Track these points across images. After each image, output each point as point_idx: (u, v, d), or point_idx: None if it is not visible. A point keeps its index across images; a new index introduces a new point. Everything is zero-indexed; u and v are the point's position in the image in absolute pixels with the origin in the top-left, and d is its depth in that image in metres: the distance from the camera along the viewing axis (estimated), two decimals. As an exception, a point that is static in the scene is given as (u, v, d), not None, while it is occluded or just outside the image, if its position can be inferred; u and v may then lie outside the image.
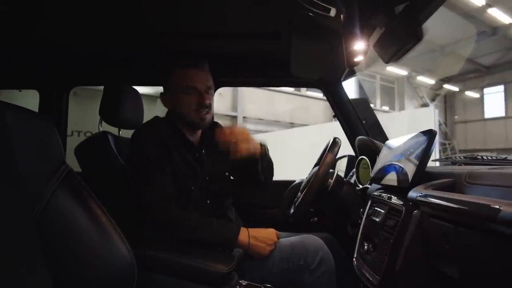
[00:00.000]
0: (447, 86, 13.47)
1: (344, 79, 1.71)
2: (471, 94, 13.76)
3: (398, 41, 0.90)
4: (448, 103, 14.35)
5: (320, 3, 0.90)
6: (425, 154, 0.78)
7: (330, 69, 1.58)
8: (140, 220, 1.02)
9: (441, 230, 0.64)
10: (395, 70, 12.39)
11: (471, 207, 0.48)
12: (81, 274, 0.75)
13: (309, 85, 1.84)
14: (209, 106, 1.20)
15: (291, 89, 10.98)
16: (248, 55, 1.62)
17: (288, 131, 9.69)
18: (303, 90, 11.23)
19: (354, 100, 1.77)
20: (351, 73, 1.68)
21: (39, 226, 0.70)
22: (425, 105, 12.97)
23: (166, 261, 0.90)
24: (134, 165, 1.11)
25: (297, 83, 1.90)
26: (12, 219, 0.66)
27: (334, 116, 1.78)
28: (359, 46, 0.92)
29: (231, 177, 1.39)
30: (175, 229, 1.01)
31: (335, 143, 1.24)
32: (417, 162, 0.79)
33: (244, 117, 10.53)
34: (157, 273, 0.88)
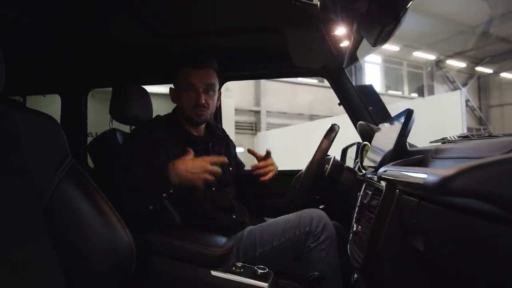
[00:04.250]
0: (480, 69, 12.75)
1: (347, 66, 1.71)
2: (508, 75, 12.94)
3: (377, 24, 0.91)
4: (482, 87, 13.58)
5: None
6: (402, 134, 0.80)
7: (332, 57, 1.58)
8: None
9: (409, 205, 0.66)
10: (422, 55, 11.89)
11: (409, 176, 0.50)
12: (85, 259, 0.82)
13: (313, 74, 1.86)
14: (204, 105, 1.30)
15: (313, 81, 10.81)
16: (250, 49, 1.66)
17: (311, 123, 9.61)
18: (326, 81, 11.03)
19: (359, 86, 1.76)
20: (354, 60, 1.68)
21: (47, 214, 0.78)
22: (456, 90, 12.36)
23: (163, 244, 0.97)
24: (120, 159, 1.20)
25: (301, 73, 1.92)
26: (20, 208, 0.74)
27: (339, 104, 1.78)
28: (340, 32, 0.94)
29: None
30: (120, 196, 1.02)
31: (331, 129, 1.26)
32: (394, 143, 0.80)
33: (267, 111, 10.53)
34: (155, 255, 0.95)
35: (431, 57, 11.96)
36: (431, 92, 12.57)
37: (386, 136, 0.97)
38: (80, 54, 1.71)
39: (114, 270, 0.86)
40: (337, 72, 1.70)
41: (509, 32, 10.22)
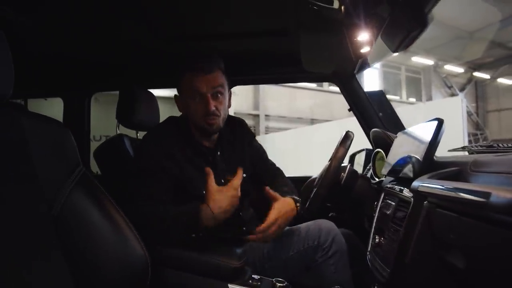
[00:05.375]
0: (477, 74, 12.83)
1: (358, 72, 1.69)
2: (504, 81, 13.03)
3: (402, 29, 0.88)
4: (479, 92, 13.67)
5: (323, -5, 0.90)
6: (431, 144, 0.77)
7: (343, 62, 1.56)
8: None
9: (446, 220, 0.63)
10: (420, 60, 11.95)
11: (465, 195, 0.47)
12: (97, 271, 0.79)
13: (323, 79, 1.83)
14: (215, 113, 1.16)
15: (312, 85, 10.82)
16: (259, 53, 1.63)
17: (311, 127, 9.60)
18: (325, 85, 11.05)
19: (369, 92, 1.73)
20: (365, 65, 1.65)
21: (57, 225, 0.74)
22: (454, 95, 12.43)
23: (178, 256, 0.93)
24: (132, 171, 1.14)
25: (310, 78, 1.89)
26: (30, 218, 0.70)
27: (349, 110, 1.75)
28: (363, 37, 0.91)
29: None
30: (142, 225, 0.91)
31: (347, 137, 1.22)
32: (424, 152, 0.77)
33: (266, 115, 10.52)
34: (170, 268, 0.91)
35: (430, 62, 12.02)
36: (429, 97, 12.63)
37: (408, 146, 0.94)
38: (83, 56, 1.67)
39: (128, 283, 0.82)
40: (348, 77, 1.68)
41: (505, 38, 10.30)
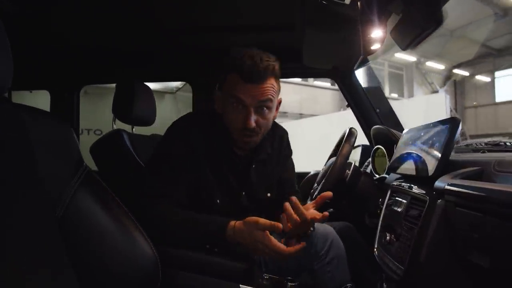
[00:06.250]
0: (457, 71, 13.19)
1: (357, 68, 1.69)
2: (482, 78, 13.47)
3: (416, 27, 0.88)
4: (458, 89, 14.07)
5: (334, -9, 0.88)
6: (449, 143, 0.77)
7: (343, 58, 1.55)
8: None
9: (469, 219, 0.63)
10: (403, 56, 12.16)
11: (505, 196, 0.47)
12: (106, 274, 0.75)
13: (322, 75, 1.82)
14: (254, 130, 0.97)
15: (298, 80, 10.86)
16: (260, 47, 1.60)
17: (296, 122, 9.65)
18: (310, 80, 11.11)
19: (367, 88, 1.74)
20: (364, 62, 1.66)
21: (62, 227, 0.70)
22: (434, 91, 12.74)
23: (187, 257, 0.90)
24: (151, 160, 1.03)
25: (310, 74, 1.88)
26: (34, 220, 0.66)
27: (347, 106, 1.76)
28: (377, 34, 0.90)
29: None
30: (155, 227, 0.88)
31: (351, 134, 1.22)
32: (441, 151, 0.77)
33: (251, 110, 10.47)
34: (178, 269, 0.88)
35: (412, 58, 12.26)
36: (411, 93, 12.91)
37: (419, 144, 0.94)
38: (73, 47, 1.59)
39: (137, 286, 0.79)
40: (347, 73, 1.67)
41: (484, 36, 10.63)
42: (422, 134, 0.95)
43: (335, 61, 1.61)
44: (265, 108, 0.97)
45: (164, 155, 0.99)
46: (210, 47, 1.65)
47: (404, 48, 0.98)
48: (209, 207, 0.98)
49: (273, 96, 0.96)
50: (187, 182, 0.97)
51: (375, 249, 1.03)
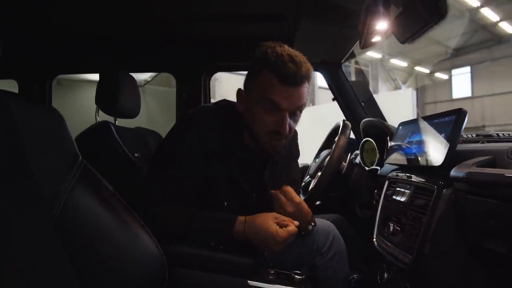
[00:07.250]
0: (418, 68, 13.86)
1: (344, 62, 1.71)
2: (440, 75, 14.26)
3: (419, 20, 0.89)
4: (419, 85, 14.81)
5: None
6: (456, 134, 0.79)
7: (333, 51, 1.56)
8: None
9: (485, 206, 0.65)
10: (369, 53, 12.57)
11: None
12: (108, 273, 0.70)
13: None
14: (286, 136, 0.92)
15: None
16: (247, 38, 1.56)
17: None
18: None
19: (353, 82, 1.77)
20: (351, 56, 1.67)
21: (60, 226, 0.64)
22: (397, 87, 13.32)
23: (192, 254, 0.86)
24: (157, 154, 0.97)
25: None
26: (29, 219, 0.60)
27: (333, 99, 1.77)
28: (381, 26, 0.90)
29: None
30: (159, 225, 0.83)
31: (346, 126, 1.23)
32: (448, 141, 0.79)
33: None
34: (183, 267, 0.84)
35: (377, 55, 12.70)
36: (376, 89, 13.38)
37: (420, 136, 0.96)
38: (46, 29, 1.45)
39: (145, 285, 0.74)
40: (335, 67, 1.69)
41: (442, 36, 11.22)
42: (422, 126, 0.97)
43: (323, 54, 1.61)
44: (298, 112, 0.92)
45: (173, 150, 0.93)
46: (196, 37, 1.59)
47: (402, 41, 0.98)
48: (214, 207, 0.93)
49: (306, 100, 0.92)
50: (195, 182, 0.92)
51: (374, 240, 1.04)
